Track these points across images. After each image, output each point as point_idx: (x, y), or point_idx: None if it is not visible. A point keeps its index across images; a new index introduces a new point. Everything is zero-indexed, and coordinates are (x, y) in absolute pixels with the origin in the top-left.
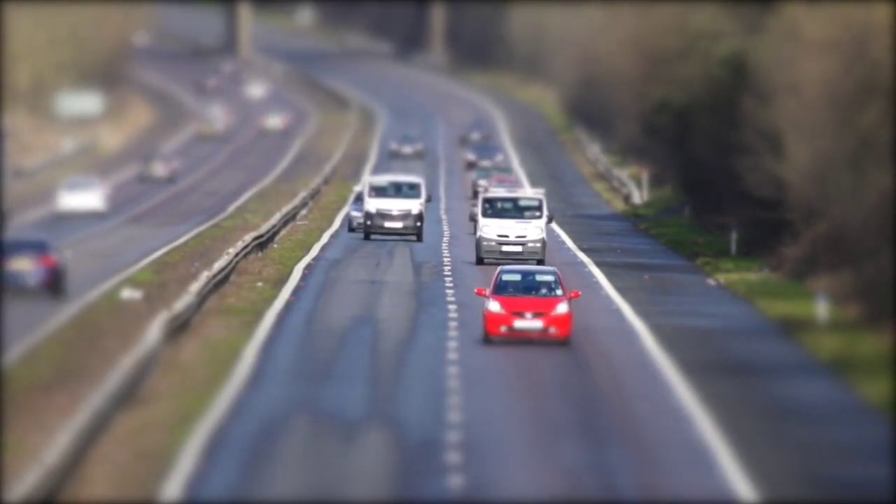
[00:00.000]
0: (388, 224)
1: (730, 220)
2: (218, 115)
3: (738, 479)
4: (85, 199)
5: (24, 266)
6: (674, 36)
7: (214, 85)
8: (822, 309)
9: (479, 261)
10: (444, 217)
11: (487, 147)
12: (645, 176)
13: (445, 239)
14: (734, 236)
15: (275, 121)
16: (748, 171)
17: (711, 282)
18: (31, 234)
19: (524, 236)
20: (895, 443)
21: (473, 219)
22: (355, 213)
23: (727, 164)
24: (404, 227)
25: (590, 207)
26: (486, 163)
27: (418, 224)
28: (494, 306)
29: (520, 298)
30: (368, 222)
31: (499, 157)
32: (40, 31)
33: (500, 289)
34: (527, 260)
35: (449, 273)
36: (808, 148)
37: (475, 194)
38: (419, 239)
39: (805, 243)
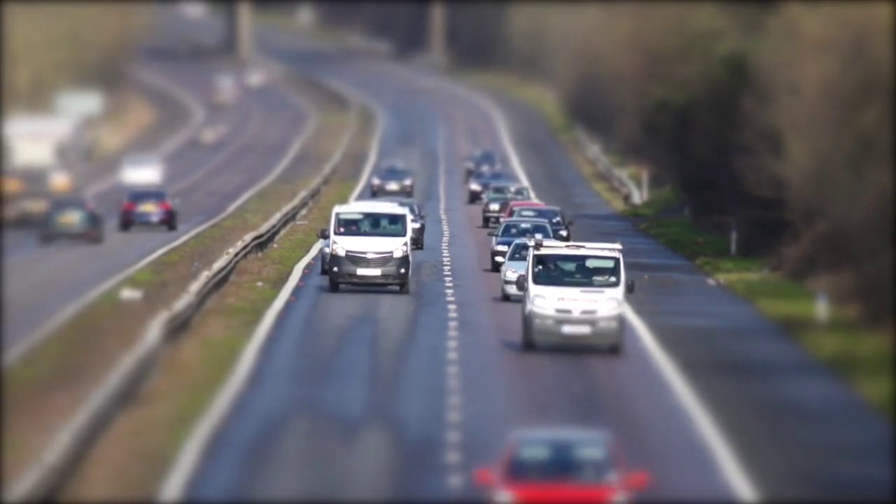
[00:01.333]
0: (360, 272)
1: (730, 220)
2: (227, 86)
3: (738, 479)
4: (145, 173)
5: (149, 208)
6: (674, 36)
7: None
8: (822, 309)
9: (529, 345)
10: (443, 217)
11: (499, 175)
12: (645, 176)
13: (445, 239)
14: (734, 236)
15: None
16: (748, 171)
17: (711, 281)
18: (151, 186)
19: (594, 311)
20: (895, 443)
21: (495, 257)
22: (329, 250)
23: (727, 164)
24: (384, 276)
25: (590, 207)
26: (498, 186)
27: (402, 271)
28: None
29: (548, 486)
30: (335, 269)
31: (512, 188)
32: (40, 31)
33: (517, 470)
34: (597, 346)
35: (449, 273)
36: (808, 148)
37: (486, 222)
38: (403, 290)
39: (805, 243)
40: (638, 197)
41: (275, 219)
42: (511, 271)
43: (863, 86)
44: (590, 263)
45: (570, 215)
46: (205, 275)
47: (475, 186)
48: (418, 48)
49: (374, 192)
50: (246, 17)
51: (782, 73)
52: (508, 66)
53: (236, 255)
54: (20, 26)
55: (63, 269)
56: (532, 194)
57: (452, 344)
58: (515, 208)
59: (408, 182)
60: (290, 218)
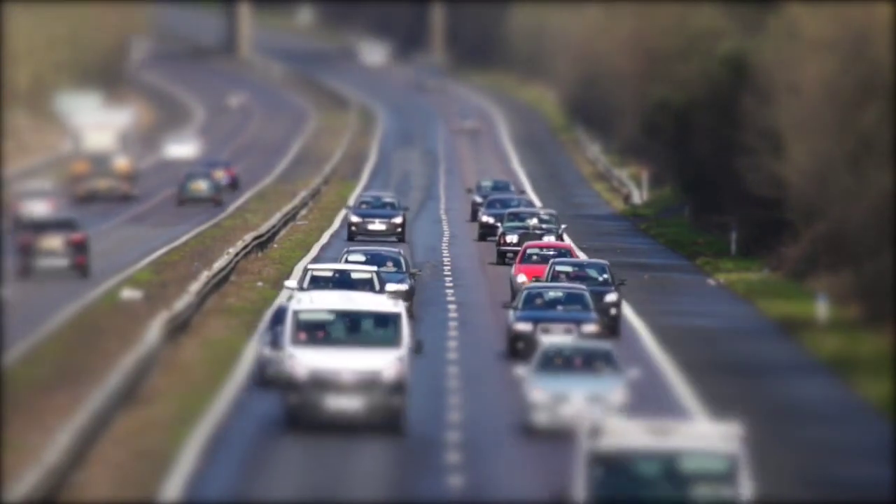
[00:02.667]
0: (333, 403)
1: (730, 220)
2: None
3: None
4: (184, 149)
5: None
6: (674, 36)
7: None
8: (822, 309)
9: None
10: (443, 217)
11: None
12: (645, 176)
13: (445, 239)
14: (734, 236)
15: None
16: (748, 171)
17: (711, 282)
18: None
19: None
20: (895, 443)
21: (516, 343)
22: (270, 353)
23: (727, 164)
24: (367, 410)
25: (590, 207)
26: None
27: (394, 403)
28: None
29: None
30: (295, 400)
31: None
32: (40, 31)
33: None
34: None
35: (449, 273)
36: (808, 148)
37: (502, 257)
38: (397, 431)
39: (805, 243)
40: (638, 197)
41: (275, 219)
42: (538, 390)
43: (863, 86)
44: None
45: (619, 276)
46: (205, 275)
47: (487, 218)
48: (418, 48)
49: (351, 234)
50: (246, 17)
51: (782, 73)
52: (508, 66)
53: (236, 255)
54: (20, 26)
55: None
56: (561, 227)
57: (452, 344)
58: (531, 250)
59: (398, 219)
60: (290, 218)
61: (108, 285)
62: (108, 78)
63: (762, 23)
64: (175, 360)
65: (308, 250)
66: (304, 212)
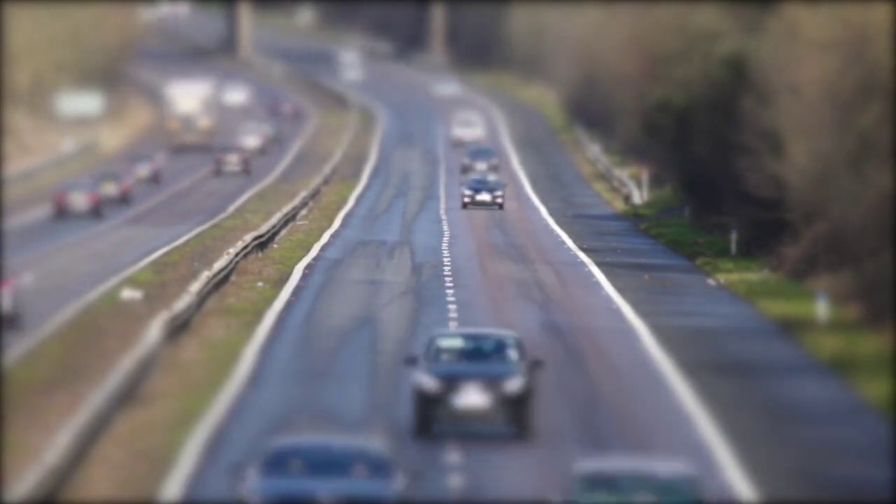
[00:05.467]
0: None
1: (730, 220)
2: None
3: (738, 479)
4: (252, 139)
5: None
6: (674, 36)
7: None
8: (822, 309)
9: None
10: (444, 217)
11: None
12: (645, 176)
13: (445, 239)
14: (734, 236)
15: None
16: (748, 171)
17: (711, 282)
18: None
19: None
20: (895, 443)
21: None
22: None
23: (727, 164)
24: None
25: (590, 207)
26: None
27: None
28: None
29: None
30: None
31: (498, 191)
32: (40, 31)
33: None
34: None
35: (449, 273)
36: (808, 148)
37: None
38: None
39: (805, 243)
40: (638, 197)
41: (275, 219)
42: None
43: (863, 86)
44: None
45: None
46: (205, 275)
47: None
48: (418, 48)
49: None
50: (246, 17)
51: (782, 73)
52: (508, 66)
53: (237, 255)
54: (20, 26)
55: (63, 269)
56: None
57: None
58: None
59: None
60: (290, 218)
61: (108, 285)
62: (109, 78)
63: (762, 23)
64: (175, 361)
65: (308, 250)
66: (304, 212)
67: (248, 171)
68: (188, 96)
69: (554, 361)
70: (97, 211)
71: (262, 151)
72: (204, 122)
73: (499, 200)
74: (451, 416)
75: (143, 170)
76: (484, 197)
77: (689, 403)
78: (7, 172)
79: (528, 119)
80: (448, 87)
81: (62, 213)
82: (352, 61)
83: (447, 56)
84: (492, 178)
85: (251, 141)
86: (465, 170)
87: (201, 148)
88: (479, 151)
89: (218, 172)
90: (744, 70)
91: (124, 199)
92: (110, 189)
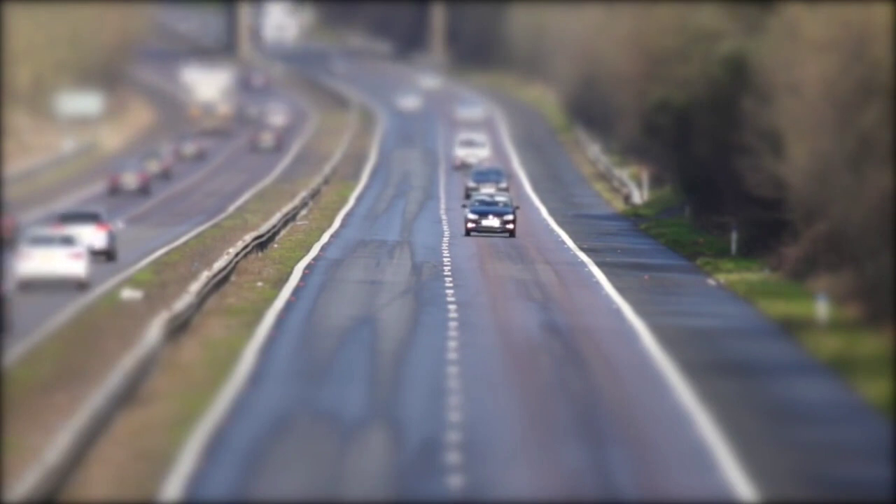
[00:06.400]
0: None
1: (730, 220)
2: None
3: (738, 479)
4: (279, 118)
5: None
6: (674, 36)
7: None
8: (822, 309)
9: None
10: (443, 217)
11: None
12: (645, 176)
13: (445, 239)
14: (734, 236)
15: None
16: (748, 171)
17: (711, 282)
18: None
19: None
20: (895, 443)
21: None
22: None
23: (727, 164)
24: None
25: (590, 207)
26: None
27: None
28: None
29: None
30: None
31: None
32: (40, 31)
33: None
34: None
35: (449, 273)
36: (808, 148)
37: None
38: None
39: (805, 243)
40: (638, 197)
41: (275, 219)
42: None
43: (863, 86)
44: None
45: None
46: (205, 275)
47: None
48: (418, 48)
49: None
50: (246, 16)
51: (782, 73)
52: (508, 66)
53: (236, 255)
54: (20, 26)
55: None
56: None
57: (452, 344)
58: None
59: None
60: (290, 218)
61: (108, 285)
62: (109, 78)
63: (762, 23)
64: (175, 361)
65: (308, 250)
66: (304, 212)
67: (279, 147)
68: (208, 85)
69: (554, 360)
70: (146, 188)
71: (287, 129)
72: (223, 109)
73: (509, 227)
74: None
75: (189, 148)
76: (492, 222)
77: (689, 403)
78: (7, 172)
79: (528, 119)
80: (473, 111)
81: (115, 190)
82: (337, 62)
83: (447, 56)
84: (501, 198)
85: (279, 119)
86: (469, 194)
87: (221, 133)
88: (486, 172)
89: (254, 149)
90: (744, 70)
91: (166, 176)
92: (153, 167)
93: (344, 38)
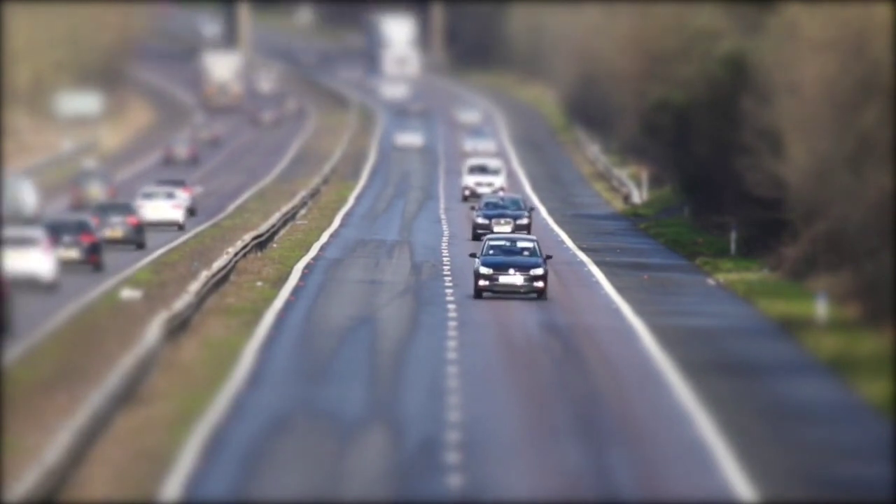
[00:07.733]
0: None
1: (729, 219)
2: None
3: (737, 479)
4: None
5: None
6: (674, 36)
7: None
8: (821, 309)
9: None
10: (443, 217)
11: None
12: (644, 176)
13: (445, 238)
14: (733, 236)
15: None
16: (747, 171)
17: (711, 281)
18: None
19: None
20: (895, 443)
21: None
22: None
23: (727, 164)
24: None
25: (589, 207)
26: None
27: None
28: None
29: None
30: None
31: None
32: (40, 31)
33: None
34: None
35: (448, 273)
36: (808, 148)
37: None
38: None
39: (804, 243)
40: (638, 197)
41: (274, 218)
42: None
43: (863, 86)
44: None
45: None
46: (204, 274)
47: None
48: (418, 48)
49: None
50: (245, 17)
51: (782, 73)
52: (508, 66)
53: (236, 254)
54: (20, 26)
55: (63, 268)
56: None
57: (452, 344)
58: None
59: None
60: (289, 218)
61: (108, 285)
62: (108, 78)
63: (762, 23)
64: (175, 360)
65: (308, 250)
66: (303, 211)
67: (278, 123)
68: (222, 66)
69: (554, 360)
70: (195, 159)
71: (277, 97)
72: (235, 88)
73: (538, 284)
74: None
75: (206, 133)
76: (513, 279)
77: (689, 403)
78: (7, 172)
79: (528, 119)
80: (265, 83)
81: (169, 161)
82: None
83: (447, 56)
84: (525, 243)
85: (265, 86)
86: (479, 234)
87: (232, 109)
88: (500, 205)
89: (256, 124)
90: (743, 70)
91: (194, 161)
92: (181, 151)
93: (344, 38)
